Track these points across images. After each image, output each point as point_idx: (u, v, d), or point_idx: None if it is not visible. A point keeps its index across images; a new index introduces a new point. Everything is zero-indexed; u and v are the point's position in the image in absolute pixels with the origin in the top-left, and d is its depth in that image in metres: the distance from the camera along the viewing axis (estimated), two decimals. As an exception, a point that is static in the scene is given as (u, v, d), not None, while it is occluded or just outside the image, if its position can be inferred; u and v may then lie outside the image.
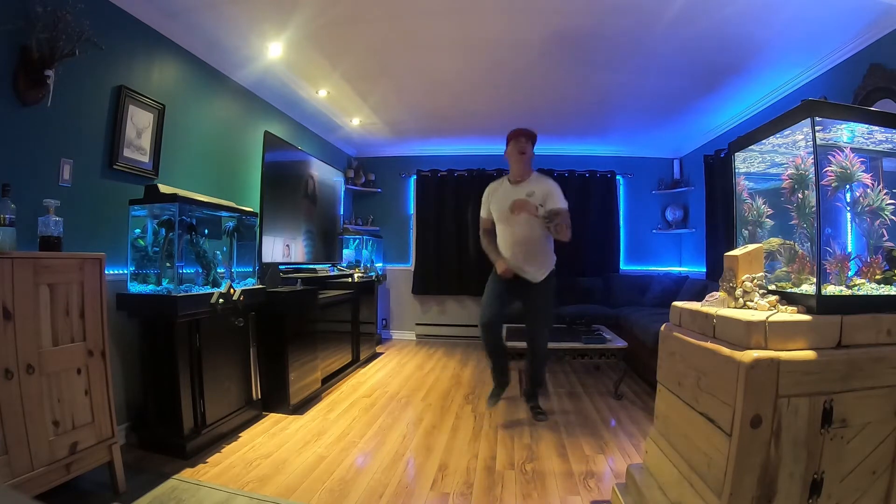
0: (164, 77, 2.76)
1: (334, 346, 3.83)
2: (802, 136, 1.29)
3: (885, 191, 1.24)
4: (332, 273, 4.30)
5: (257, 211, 3.11)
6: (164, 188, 2.41)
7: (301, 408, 3.07)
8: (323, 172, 4.27)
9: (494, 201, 2.95)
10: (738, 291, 1.34)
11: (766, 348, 1.11)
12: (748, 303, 1.31)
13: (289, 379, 2.95)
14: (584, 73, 3.48)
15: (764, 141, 1.44)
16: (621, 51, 3.08)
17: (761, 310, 1.24)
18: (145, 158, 2.61)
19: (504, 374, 3.07)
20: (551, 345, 3.56)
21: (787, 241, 1.39)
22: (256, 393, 2.87)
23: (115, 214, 2.39)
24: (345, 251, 5.07)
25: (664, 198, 5.70)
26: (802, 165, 1.28)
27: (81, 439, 1.79)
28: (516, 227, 2.84)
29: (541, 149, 5.60)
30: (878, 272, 1.26)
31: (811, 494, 1.09)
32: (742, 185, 1.60)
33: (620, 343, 3.52)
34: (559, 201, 2.81)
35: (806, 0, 2.41)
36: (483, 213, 3.04)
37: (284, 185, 3.57)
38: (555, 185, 2.87)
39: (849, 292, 1.21)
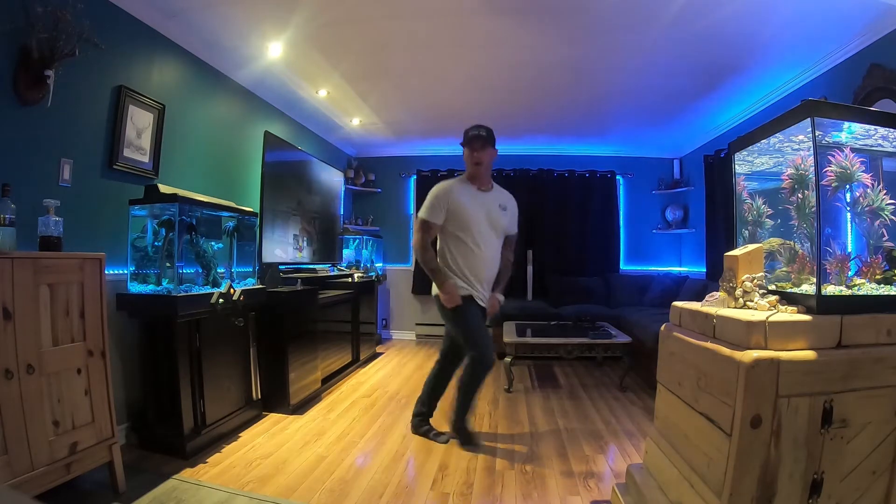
0: (164, 77, 2.76)
1: (334, 346, 3.83)
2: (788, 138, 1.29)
3: (885, 191, 1.24)
4: (332, 273, 4.30)
5: (257, 211, 3.11)
6: (164, 188, 2.42)
7: (301, 408, 3.07)
8: (323, 172, 4.27)
9: (461, 207, 2.39)
10: (738, 291, 1.34)
11: (766, 348, 1.11)
12: (748, 303, 1.31)
13: (289, 379, 2.95)
14: (583, 72, 3.48)
15: (764, 140, 1.44)
16: (621, 50, 3.08)
17: (761, 310, 1.24)
18: (145, 158, 2.61)
19: None
20: (558, 340, 3.61)
21: (787, 241, 1.39)
22: (256, 393, 2.87)
23: (115, 214, 2.39)
24: (345, 251, 5.07)
25: (664, 198, 5.70)
26: (802, 165, 1.28)
27: (81, 439, 1.79)
28: (491, 246, 2.47)
29: (542, 149, 5.70)
30: (878, 272, 1.26)
31: (811, 494, 1.09)
32: (742, 185, 1.60)
33: (625, 338, 3.65)
34: (516, 225, 2.61)
35: (806, 0, 2.41)
36: (432, 218, 2.38)
37: (284, 184, 3.57)
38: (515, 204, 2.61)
39: (849, 292, 1.21)
